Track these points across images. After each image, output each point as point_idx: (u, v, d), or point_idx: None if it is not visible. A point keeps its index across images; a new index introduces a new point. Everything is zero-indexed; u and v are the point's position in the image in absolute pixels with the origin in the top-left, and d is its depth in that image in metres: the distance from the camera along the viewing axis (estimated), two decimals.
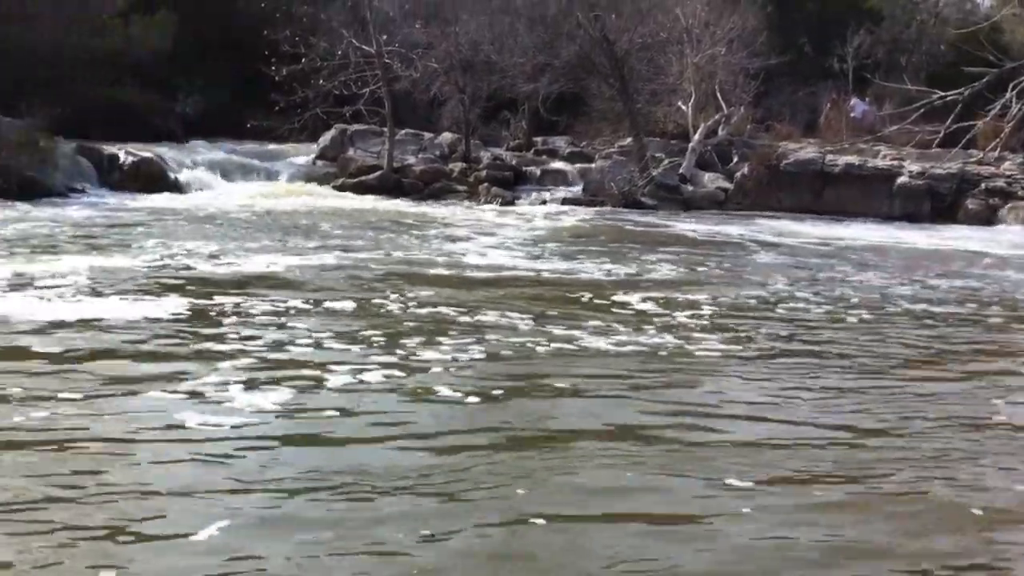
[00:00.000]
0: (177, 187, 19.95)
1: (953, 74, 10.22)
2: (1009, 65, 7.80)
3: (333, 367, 6.28)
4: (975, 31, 16.98)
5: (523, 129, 25.93)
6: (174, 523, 3.92)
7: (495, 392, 5.95)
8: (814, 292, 10.56)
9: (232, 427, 5.10)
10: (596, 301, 9.29)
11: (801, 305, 9.68)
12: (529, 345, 7.19)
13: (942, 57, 27.71)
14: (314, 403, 5.56)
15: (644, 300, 9.38)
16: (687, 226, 17.63)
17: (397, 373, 6.25)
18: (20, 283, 8.75)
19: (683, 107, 23.27)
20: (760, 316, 8.98)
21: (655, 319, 8.46)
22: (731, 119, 23.27)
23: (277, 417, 5.31)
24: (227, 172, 21.50)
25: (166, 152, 21.32)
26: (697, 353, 7.27)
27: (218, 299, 8.44)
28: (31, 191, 17.45)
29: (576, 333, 7.66)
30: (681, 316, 8.67)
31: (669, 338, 7.68)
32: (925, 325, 8.92)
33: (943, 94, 7.82)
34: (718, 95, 23.18)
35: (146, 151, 20.62)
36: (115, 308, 7.82)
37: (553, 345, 7.22)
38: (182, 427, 5.06)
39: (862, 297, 10.34)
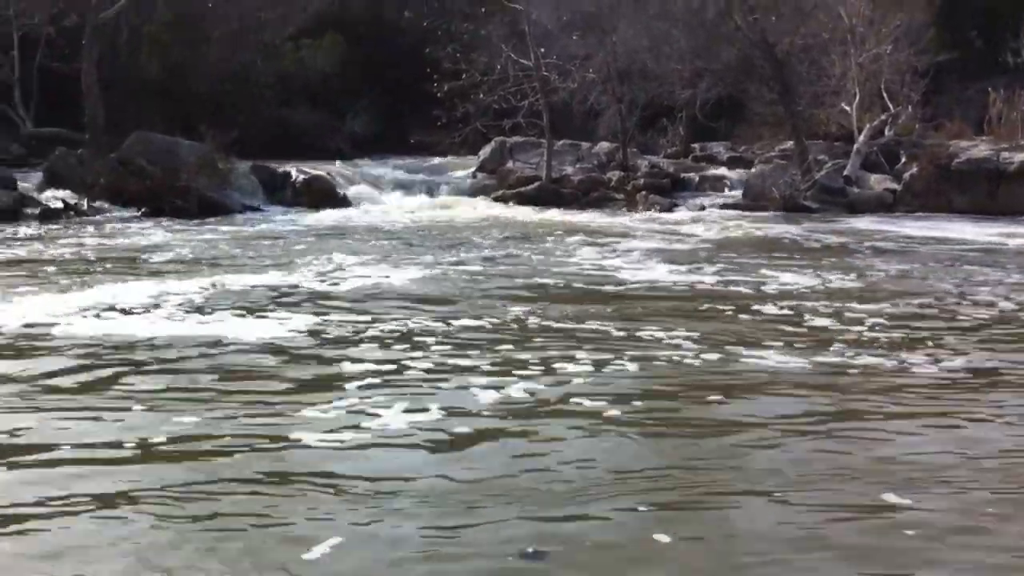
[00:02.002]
0: (345, 202, 20.73)
1: None
2: None
3: (477, 379, 6.20)
4: None
5: (680, 136, 25.81)
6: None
7: (651, 416, 5.65)
8: (1016, 301, 9.48)
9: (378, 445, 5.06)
10: (764, 311, 8.72)
11: (1007, 313, 8.74)
12: (692, 362, 6.74)
13: None
14: (459, 423, 5.40)
15: (817, 311, 8.72)
16: (855, 229, 17.04)
17: (540, 387, 6.07)
18: (185, 300, 9.04)
19: (847, 108, 22.66)
20: (958, 328, 8.08)
21: (833, 332, 7.75)
22: (898, 119, 22.53)
23: (421, 430, 5.25)
24: (393, 187, 22.23)
25: (334, 169, 22.24)
26: (889, 371, 6.49)
27: (372, 312, 8.51)
28: (211, 210, 18.51)
29: (745, 350, 7.06)
30: (862, 329, 7.91)
31: (857, 355, 6.90)
32: None
33: None
34: (884, 94, 22.48)
35: (316, 169, 21.56)
36: (267, 325, 7.94)
37: (728, 365, 6.66)
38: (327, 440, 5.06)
39: None
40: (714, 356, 6.92)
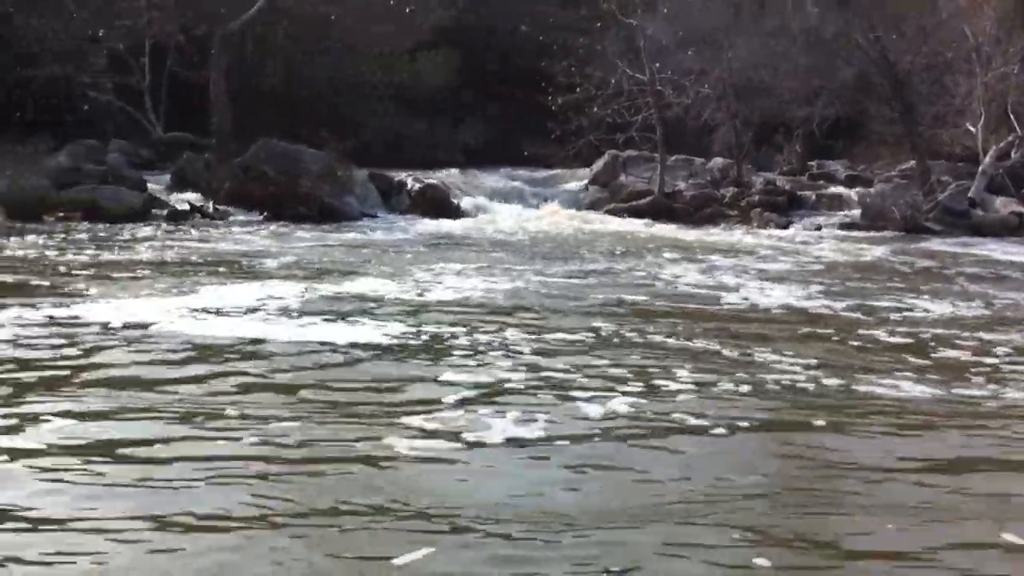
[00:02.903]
0: (458, 212, 21.00)
1: None
2: None
3: (581, 393, 6.12)
4: None
5: (797, 153, 25.49)
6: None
7: (757, 438, 5.53)
8: None
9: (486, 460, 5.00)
10: (885, 338, 8.34)
11: None
12: (805, 386, 6.53)
13: None
14: (559, 437, 5.30)
15: (943, 340, 8.28)
16: (980, 254, 16.52)
17: (643, 402, 5.96)
18: (288, 304, 9.17)
19: (971, 128, 22.09)
20: None
21: (965, 364, 7.29)
22: None
23: (518, 443, 5.21)
24: (504, 198, 22.45)
25: (449, 179, 22.56)
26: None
27: (472, 322, 8.44)
28: (330, 216, 18.98)
29: (864, 377, 6.77)
30: (996, 361, 7.44)
31: (993, 389, 6.49)
32: None
33: None
34: (1011, 115, 21.84)
35: (431, 178, 21.90)
36: (365, 331, 7.93)
37: (844, 393, 6.39)
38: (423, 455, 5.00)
39: None
40: (830, 382, 6.63)
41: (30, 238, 14.67)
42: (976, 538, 4.16)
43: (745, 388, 6.40)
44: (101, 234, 15.57)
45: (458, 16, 29.12)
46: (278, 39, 26.17)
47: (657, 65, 22.96)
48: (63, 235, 15.27)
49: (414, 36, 27.87)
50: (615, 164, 23.88)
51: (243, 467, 4.74)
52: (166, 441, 5.06)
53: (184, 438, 5.12)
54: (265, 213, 19.02)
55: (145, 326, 7.81)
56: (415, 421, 5.48)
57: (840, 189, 22.86)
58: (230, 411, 5.57)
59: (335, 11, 26.38)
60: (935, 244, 18.00)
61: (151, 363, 6.66)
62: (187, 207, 18.88)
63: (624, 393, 6.17)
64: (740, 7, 28.26)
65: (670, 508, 4.37)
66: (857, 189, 22.45)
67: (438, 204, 20.94)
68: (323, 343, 7.42)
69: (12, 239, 14.45)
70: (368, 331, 7.98)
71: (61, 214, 17.72)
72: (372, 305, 9.31)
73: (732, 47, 23.82)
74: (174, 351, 7.00)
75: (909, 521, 4.30)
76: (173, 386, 6.05)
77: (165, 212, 18.61)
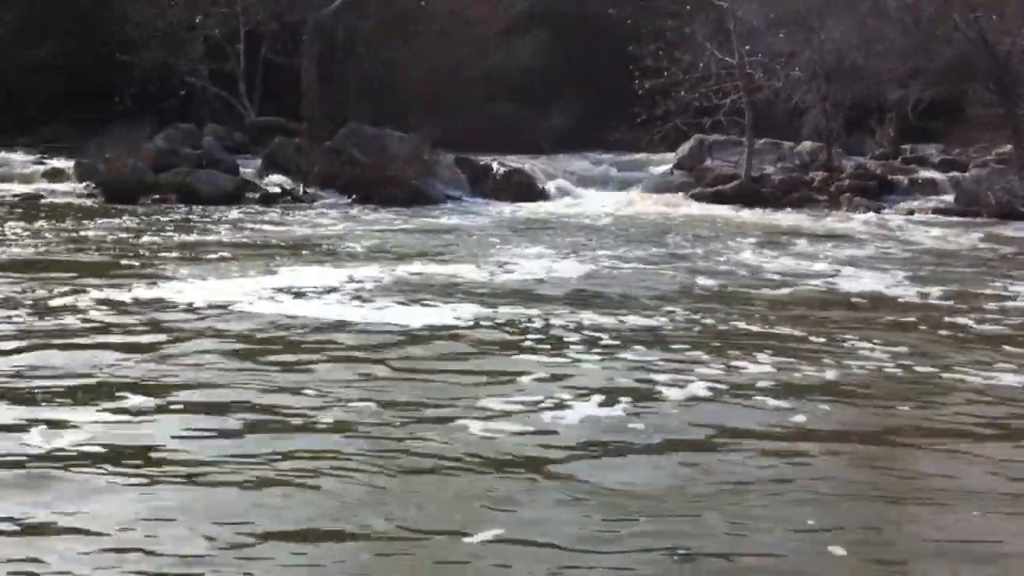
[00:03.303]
0: (543, 196, 21.09)
1: None
2: None
3: (657, 380, 6.14)
4: None
5: (889, 137, 24.89)
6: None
7: (838, 425, 5.50)
8: None
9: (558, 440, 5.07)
10: (980, 329, 8.09)
11: None
12: (893, 372, 6.48)
13: None
14: (635, 420, 5.37)
15: None
16: None
17: (721, 387, 5.98)
18: (369, 286, 9.39)
19: None
20: None
21: None
22: None
23: (593, 424, 5.30)
24: (589, 182, 22.46)
25: (535, 163, 22.65)
26: None
27: (546, 305, 8.52)
28: (416, 199, 19.25)
29: (953, 367, 6.63)
30: None
31: None
32: None
33: None
34: None
35: (516, 162, 22.01)
36: (441, 313, 8.09)
37: (931, 380, 6.34)
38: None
39: None
40: (921, 369, 6.57)
41: (125, 219, 15.24)
42: None
43: (829, 375, 6.34)
44: (193, 217, 16.08)
45: (547, 0, 29.09)
46: (369, 25, 26.52)
47: (747, 47, 22.62)
48: (157, 217, 15.82)
49: (504, 20, 27.94)
50: (701, 148, 23.65)
51: (313, 432, 4.94)
52: (244, 422, 5.22)
53: (251, 422, 5.25)
54: (353, 196, 19.38)
55: (226, 306, 8.10)
56: (493, 401, 5.56)
57: (934, 173, 22.29)
58: (307, 390, 5.73)
59: None
60: None
61: (227, 342, 6.91)
62: (278, 190, 19.34)
63: (703, 377, 6.18)
64: None
65: (747, 489, 4.37)
66: (952, 174, 21.86)
67: (523, 188, 21.06)
68: (397, 325, 7.57)
69: (108, 220, 15.01)
70: (442, 313, 8.13)
71: (157, 197, 18.31)
72: (449, 287, 9.47)
73: (824, 28, 23.33)
74: (251, 332, 7.24)
75: (995, 512, 4.23)
76: (248, 367, 6.26)
77: (257, 195, 19.09)
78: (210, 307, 8.08)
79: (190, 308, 8.05)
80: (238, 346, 6.82)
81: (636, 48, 23.56)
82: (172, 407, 5.43)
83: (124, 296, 8.48)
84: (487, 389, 5.88)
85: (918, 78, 23.27)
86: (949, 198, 20.63)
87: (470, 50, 26.87)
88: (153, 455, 4.67)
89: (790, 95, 23.70)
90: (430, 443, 4.91)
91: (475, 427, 5.15)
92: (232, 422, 5.20)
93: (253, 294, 8.71)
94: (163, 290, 8.84)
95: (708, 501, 4.27)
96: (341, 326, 7.55)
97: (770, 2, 24.75)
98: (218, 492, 4.27)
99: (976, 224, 18.26)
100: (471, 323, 7.79)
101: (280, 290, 8.96)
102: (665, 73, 22.78)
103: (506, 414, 5.39)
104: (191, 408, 5.43)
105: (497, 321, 7.90)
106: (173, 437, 4.92)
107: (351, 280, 9.69)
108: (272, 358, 6.54)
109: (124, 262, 10.75)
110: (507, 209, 19.20)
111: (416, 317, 7.92)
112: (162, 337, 7.01)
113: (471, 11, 27.26)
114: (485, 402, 5.59)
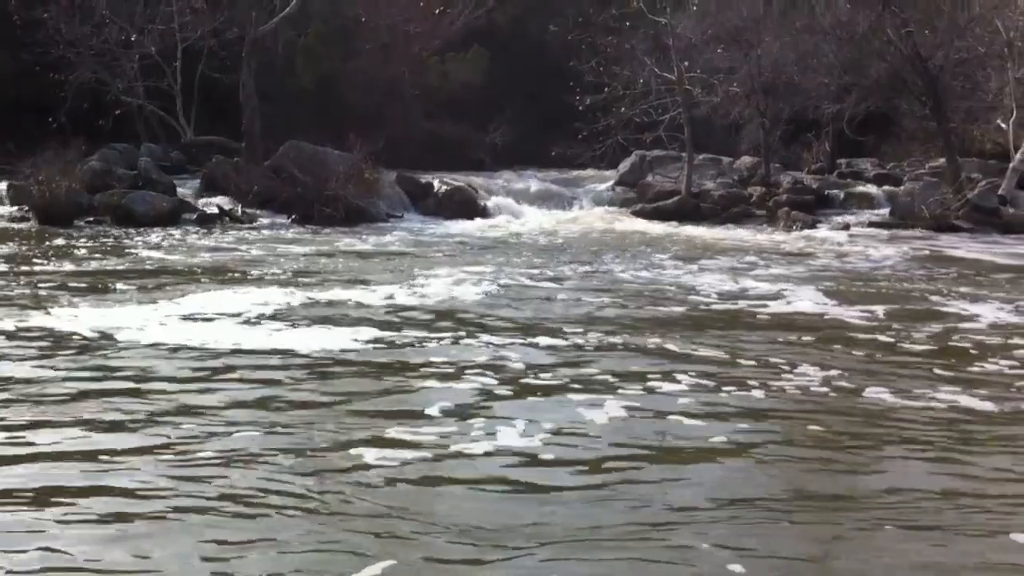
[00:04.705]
0: (485, 213, 21.04)
1: None
2: None
3: (574, 402, 6.18)
4: None
5: (825, 151, 25.27)
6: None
7: (765, 442, 5.58)
8: None
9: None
10: (916, 346, 8.13)
11: None
12: (818, 389, 6.58)
13: None
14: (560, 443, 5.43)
15: (986, 347, 8.04)
16: (1013, 252, 16.18)
17: (641, 407, 6.09)
18: (283, 310, 9.36)
19: (1003, 125, 21.79)
20: None
21: (1013, 376, 7.09)
22: None
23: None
24: (530, 199, 22.42)
25: (476, 180, 22.62)
26: None
27: (454, 333, 8.54)
28: (357, 218, 19.11)
29: (887, 386, 6.71)
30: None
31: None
32: None
33: None
34: None
35: (458, 180, 21.96)
36: (356, 335, 8.03)
37: (858, 399, 6.41)
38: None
39: None
40: (848, 385, 6.66)
41: (54, 242, 14.93)
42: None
43: (757, 395, 6.38)
44: (125, 240, 15.79)
45: (488, 16, 29.15)
46: (308, 42, 26.37)
47: (686, 63, 22.84)
48: (86, 241, 15.49)
49: (444, 37, 27.94)
50: (642, 164, 23.80)
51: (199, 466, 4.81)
52: (121, 448, 5.14)
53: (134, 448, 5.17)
54: (293, 216, 19.19)
55: (112, 335, 7.92)
56: (399, 433, 5.46)
57: (869, 187, 22.68)
58: (188, 421, 5.61)
59: (365, 13, 26.54)
60: (964, 242, 17.77)
61: (103, 373, 6.75)
62: (216, 211, 19.09)
63: (622, 396, 6.24)
64: (770, 3, 28.04)
65: (666, 523, 4.36)
66: (886, 187, 22.25)
67: (465, 206, 21.00)
68: (290, 350, 7.45)
69: (35, 245, 14.69)
70: (341, 337, 8.00)
71: (92, 219, 18.00)
72: (359, 310, 9.37)
73: (761, 44, 23.63)
74: (131, 363, 7.01)
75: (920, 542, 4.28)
76: (119, 401, 6.07)
77: (195, 216, 18.83)
78: (101, 336, 7.89)
79: (74, 336, 7.87)
80: (115, 377, 6.65)
81: (576, 64, 23.70)
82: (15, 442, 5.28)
83: (9, 326, 8.25)
84: (376, 420, 5.76)
85: (853, 92, 23.65)
86: (885, 211, 20.97)
87: (410, 66, 26.85)
88: None
89: (729, 110, 23.99)
90: (307, 479, 4.81)
91: (369, 456, 5.08)
92: (100, 457, 5.08)
93: (152, 321, 8.55)
94: (56, 319, 8.61)
95: (625, 534, 4.25)
96: (235, 352, 7.42)
97: (708, 18, 25.04)
98: (71, 529, 4.20)
99: (912, 237, 18.56)
100: (368, 347, 7.71)
101: (182, 317, 8.79)
102: (605, 89, 22.95)
103: (406, 443, 5.32)
104: (35, 444, 5.28)
105: (396, 344, 7.84)
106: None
107: (262, 304, 9.53)
108: (152, 385, 6.43)
109: (26, 291, 10.42)
110: (447, 227, 19.14)
111: (310, 342, 7.81)
112: (28, 368, 6.82)
113: (411, 27, 27.23)
114: (377, 431, 5.51)
